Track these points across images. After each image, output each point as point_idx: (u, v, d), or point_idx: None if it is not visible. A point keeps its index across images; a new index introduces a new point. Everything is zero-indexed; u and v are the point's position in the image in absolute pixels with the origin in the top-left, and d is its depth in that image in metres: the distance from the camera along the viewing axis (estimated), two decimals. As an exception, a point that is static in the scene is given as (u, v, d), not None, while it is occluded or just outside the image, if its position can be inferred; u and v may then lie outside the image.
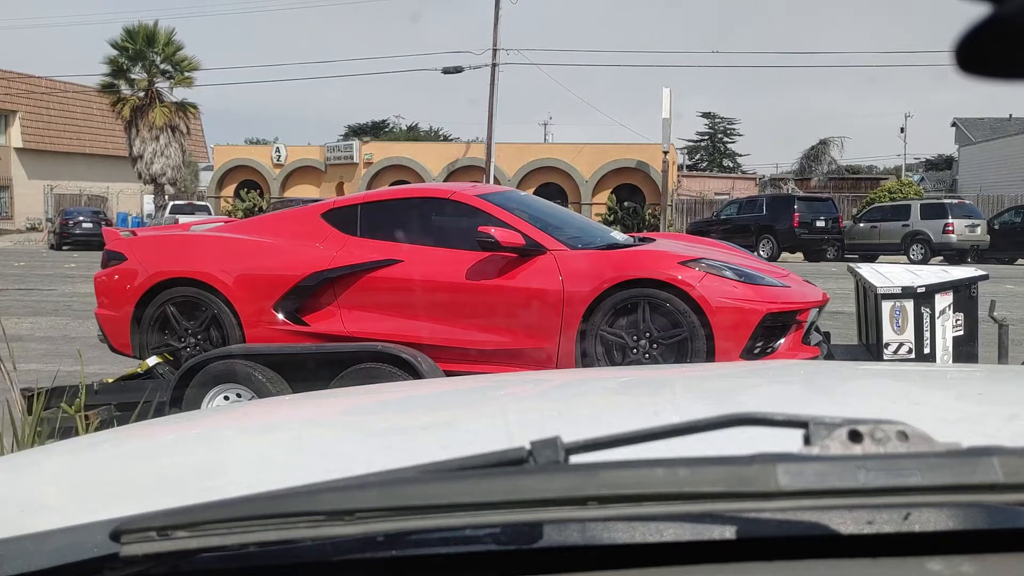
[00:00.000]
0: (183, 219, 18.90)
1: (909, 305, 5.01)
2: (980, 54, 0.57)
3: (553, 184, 31.93)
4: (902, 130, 49.07)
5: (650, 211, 29.97)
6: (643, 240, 5.88)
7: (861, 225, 24.34)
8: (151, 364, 5.34)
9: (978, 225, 22.66)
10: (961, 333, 5.14)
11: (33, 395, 4.25)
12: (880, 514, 0.74)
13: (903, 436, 0.66)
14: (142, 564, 0.67)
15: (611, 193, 31.07)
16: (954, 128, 42.43)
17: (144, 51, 28.22)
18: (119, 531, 0.66)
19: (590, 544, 0.75)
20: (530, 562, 0.73)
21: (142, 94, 28.60)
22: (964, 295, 5.17)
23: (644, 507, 0.62)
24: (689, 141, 55.65)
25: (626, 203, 30.29)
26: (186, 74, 28.81)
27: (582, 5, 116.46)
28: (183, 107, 29.51)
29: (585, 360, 4.84)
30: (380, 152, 34.51)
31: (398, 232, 5.34)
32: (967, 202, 24.78)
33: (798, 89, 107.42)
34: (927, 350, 5.02)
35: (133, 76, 28.68)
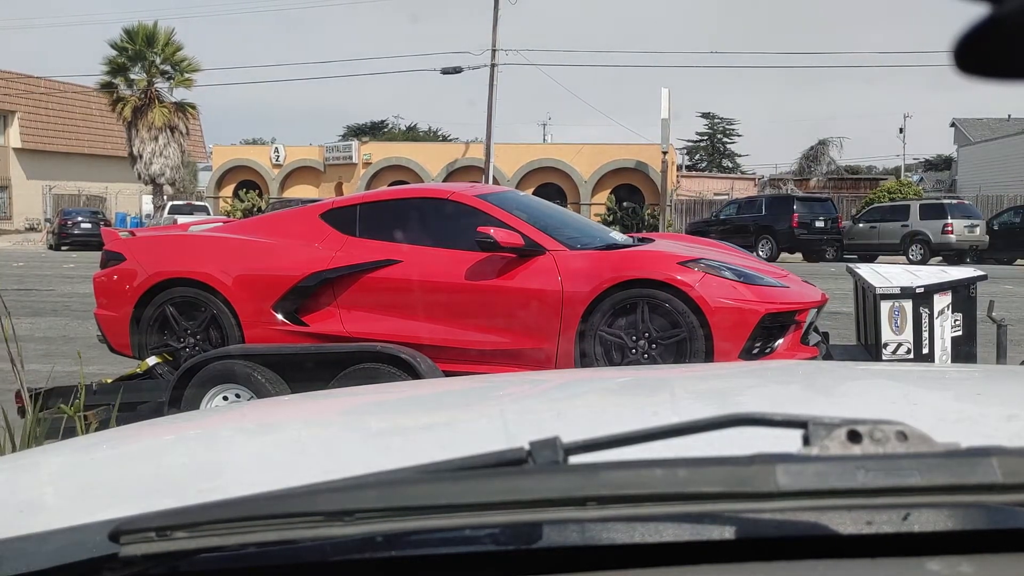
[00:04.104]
0: (182, 219, 18.92)
1: (908, 305, 5.01)
2: (979, 54, 0.57)
3: (552, 184, 31.93)
4: (901, 130, 49.08)
5: (649, 211, 29.97)
6: (642, 240, 5.88)
7: (860, 225, 24.34)
8: (150, 364, 5.34)
9: (977, 225, 22.66)
10: (960, 333, 5.14)
11: (33, 395, 4.25)
12: (879, 514, 0.74)
13: (902, 436, 0.66)
14: (141, 564, 0.67)
15: (610, 193, 31.08)
16: (953, 128, 42.46)
17: (144, 51, 28.21)
18: (118, 531, 0.66)
19: (589, 544, 0.75)
20: (530, 562, 0.73)
21: (141, 94, 28.60)
22: (963, 295, 5.17)
23: (643, 507, 0.62)
24: (688, 141, 55.71)
25: (625, 203, 30.30)
26: (186, 75, 28.81)
27: (582, 5, 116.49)
28: (182, 107, 29.50)
29: (584, 360, 4.84)
30: (379, 152, 34.52)
31: (397, 232, 5.34)
32: (966, 202, 24.77)
33: (798, 89, 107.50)
34: (926, 350, 5.02)
35: (132, 76, 28.67)
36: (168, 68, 28.78)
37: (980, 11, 0.54)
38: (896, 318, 5.03)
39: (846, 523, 0.74)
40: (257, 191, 34.37)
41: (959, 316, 5.13)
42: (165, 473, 1.17)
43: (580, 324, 4.86)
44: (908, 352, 5.02)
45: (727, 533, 0.74)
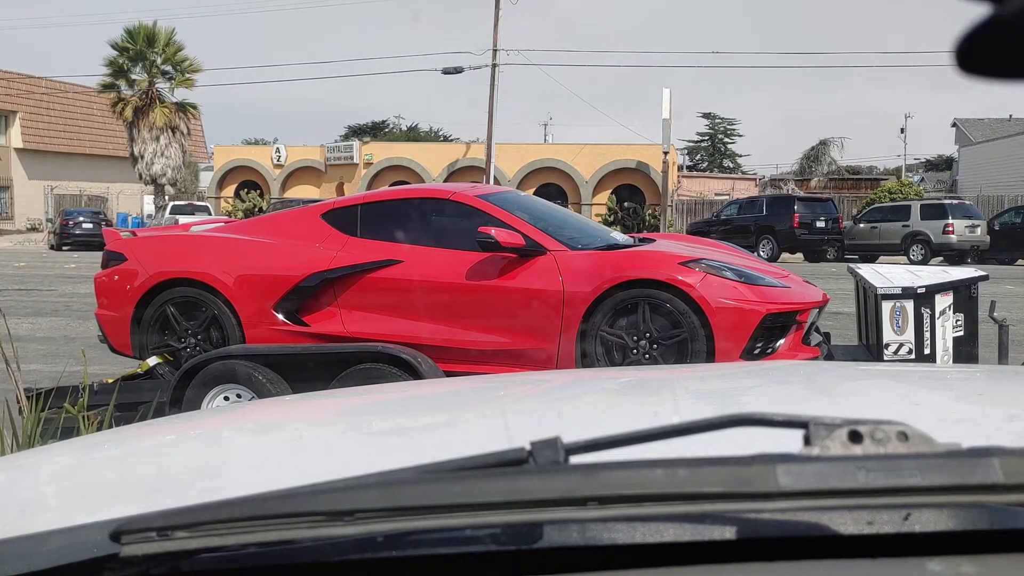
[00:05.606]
0: (183, 219, 18.92)
1: (909, 306, 5.01)
2: (980, 54, 0.57)
3: (553, 184, 31.94)
4: (902, 130, 49.15)
5: (650, 212, 29.97)
6: (643, 240, 5.87)
7: (861, 226, 24.33)
8: (151, 364, 5.34)
9: (978, 225, 22.66)
10: (961, 333, 5.14)
11: (34, 396, 4.25)
12: (880, 514, 0.74)
13: (903, 437, 0.66)
14: (142, 564, 0.67)
15: (611, 193, 31.08)
16: (954, 128, 42.42)
17: (144, 52, 28.25)
18: (119, 531, 0.66)
19: (590, 544, 0.75)
20: (530, 562, 0.73)
21: (142, 95, 28.62)
22: (964, 295, 5.17)
23: (644, 508, 0.62)
24: (689, 141, 55.73)
25: (626, 204, 30.30)
26: (187, 75, 28.84)
27: (583, 5, 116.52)
28: (183, 107, 29.54)
29: (585, 360, 4.84)
30: (380, 152, 34.53)
31: (398, 232, 5.34)
32: (967, 202, 24.76)
33: (798, 89, 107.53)
34: (927, 350, 5.02)
35: (133, 77, 28.72)
36: (169, 68, 28.82)
37: (981, 11, 0.54)
38: (897, 318, 5.03)
39: (847, 523, 0.74)
40: (258, 191, 34.39)
41: (960, 316, 5.13)
42: (166, 473, 1.17)
43: (581, 324, 4.86)
44: (909, 352, 5.02)
45: (728, 533, 0.74)
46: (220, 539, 0.64)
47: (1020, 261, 22.80)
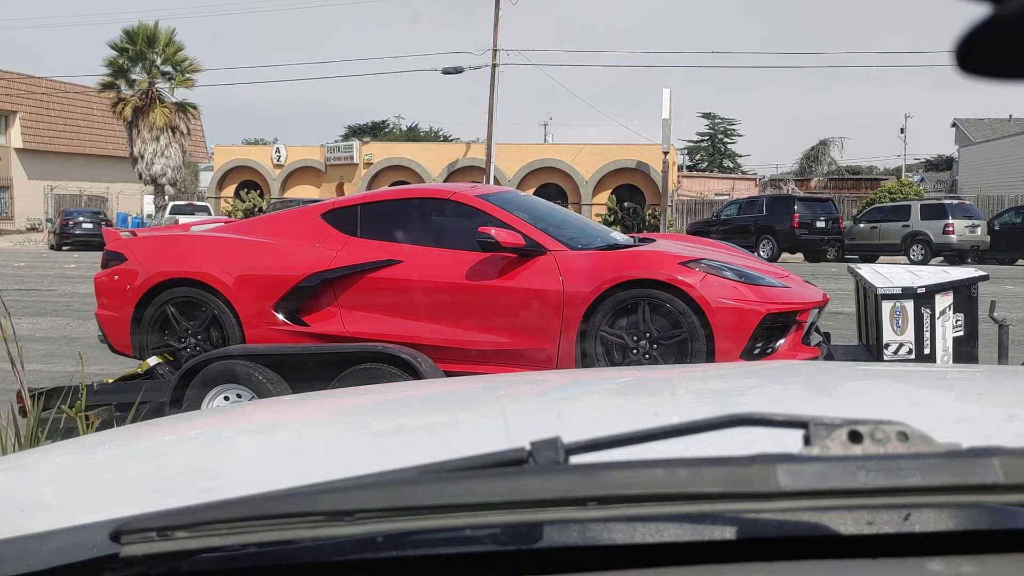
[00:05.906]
0: (183, 219, 18.92)
1: (909, 306, 5.01)
2: (980, 54, 0.57)
3: (553, 184, 31.94)
4: (902, 130, 49.15)
5: (650, 212, 29.98)
6: (643, 240, 5.87)
7: (861, 226, 24.34)
8: (151, 364, 5.34)
9: (978, 225, 22.66)
10: (961, 333, 5.14)
11: (34, 396, 4.25)
12: (880, 514, 0.74)
13: (903, 437, 0.66)
14: (142, 565, 0.67)
15: (611, 194, 31.09)
16: (954, 128, 42.41)
17: (144, 52, 28.26)
18: (119, 531, 0.66)
19: (590, 544, 0.75)
20: (530, 562, 0.73)
21: (142, 95, 28.62)
22: (964, 295, 5.17)
23: (644, 508, 0.62)
24: (689, 141, 55.74)
25: (626, 204, 30.30)
26: (187, 75, 28.85)
27: (583, 5, 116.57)
28: (183, 108, 29.54)
29: (585, 361, 4.84)
30: (380, 152, 34.53)
31: (398, 232, 5.34)
32: (967, 202, 24.77)
33: (798, 89, 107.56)
34: (927, 350, 5.02)
35: (133, 77, 28.72)
36: (169, 68, 28.83)
37: (981, 11, 0.54)
38: (897, 318, 5.03)
39: (847, 523, 0.74)
40: (258, 191, 34.39)
41: (960, 316, 5.13)
42: (166, 473, 1.17)
43: (581, 324, 4.86)
44: (909, 352, 5.02)
45: (728, 533, 0.74)
46: (220, 539, 0.64)
47: (1020, 261, 22.80)
